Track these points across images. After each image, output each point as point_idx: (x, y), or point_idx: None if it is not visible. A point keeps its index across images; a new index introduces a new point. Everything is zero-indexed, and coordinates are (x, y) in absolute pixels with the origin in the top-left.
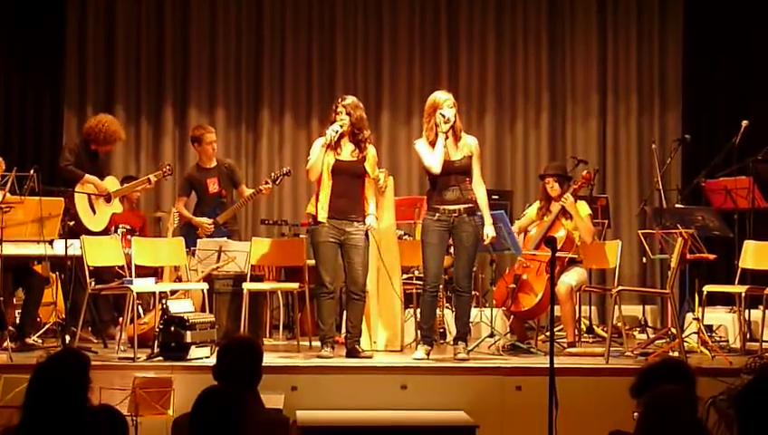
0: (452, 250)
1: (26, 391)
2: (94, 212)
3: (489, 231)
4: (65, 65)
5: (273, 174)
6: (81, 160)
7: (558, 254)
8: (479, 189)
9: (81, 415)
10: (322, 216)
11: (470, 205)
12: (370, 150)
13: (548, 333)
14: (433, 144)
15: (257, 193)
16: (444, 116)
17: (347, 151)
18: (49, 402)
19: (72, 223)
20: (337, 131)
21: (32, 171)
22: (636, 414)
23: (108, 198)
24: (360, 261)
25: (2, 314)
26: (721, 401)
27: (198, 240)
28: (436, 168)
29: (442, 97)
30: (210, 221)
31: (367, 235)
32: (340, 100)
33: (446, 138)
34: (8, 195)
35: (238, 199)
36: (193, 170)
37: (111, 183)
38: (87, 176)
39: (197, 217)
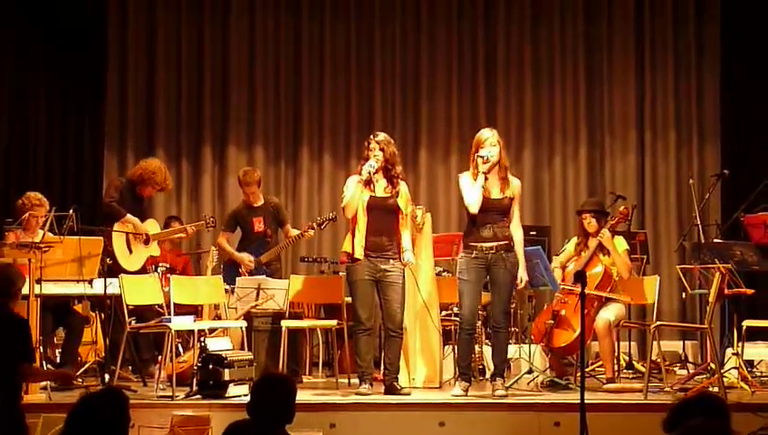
0: (489, 287)
1: (64, 430)
2: (131, 252)
3: (523, 275)
4: (106, 107)
5: (318, 218)
6: (125, 200)
7: (594, 291)
8: (516, 232)
9: None
10: (359, 253)
11: (507, 242)
12: (403, 186)
13: (587, 370)
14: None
15: (301, 236)
16: (482, 157)
17: (380, 188)
18: None
19: (110, 261)
20: (373, 167)
21: (71, 211)
22: None
23: (147, 241)
24: (396, 298)
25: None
26: None
27: (237, 278)
28: (474, 207)
29: (485, 135)
30: (251, 257)
31: (403, 272)
32: (372, 136)
33: (486, 178)
34: (48, 234)
35: (283, 239)
36: (240, 207)
37: (152, 226)
38: (128, 216)
39: (239, 253)
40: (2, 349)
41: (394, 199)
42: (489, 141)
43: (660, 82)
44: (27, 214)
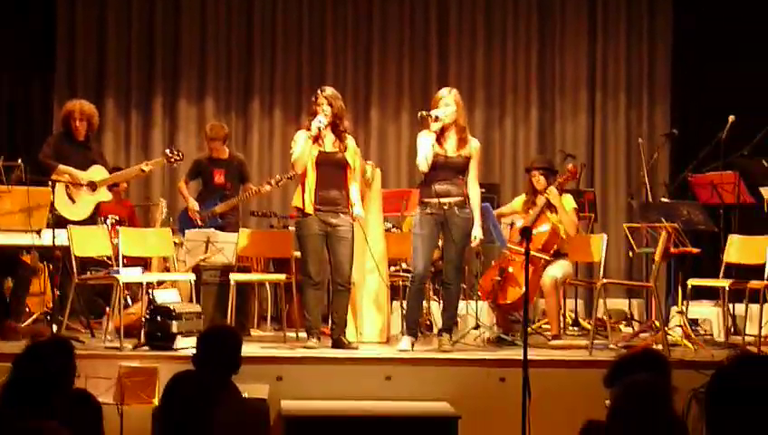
0: (440, 243)
1: (10, 376)
2: (73, 201)
3: (477, 233)
4: (56, 56)
5: (277, 176)
6: (63, 152)
7: (539, 250)
8: (473, 190)
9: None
10: (309, 208)
11: (461, 198)
12: (350, 141)
13: (533, 326)
14: (436, 138)
15: (257, 193)
16: (431, 116)
17: (329, 143)
18: (32, 389)
19: (56, 212)
20: (322, 122)
21: (19, 161)
22: (607, 402)
23: (92, 187)
24: (345, 252)
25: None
26: (702, 393)
27: (186, 231)
28: (422, 166)
29: (441, 94)
30: (197, 207)
31: (353, 227)
32: (320, 91)
33: (439, 137)
34: None
35: (241, 193)
36: (203, 157)
37: (98, 172)
38: (60, 166)
39: (192, 201)
40: None
41: (342, 154)
42: (444, 101)
43: (612, 45)
44: None
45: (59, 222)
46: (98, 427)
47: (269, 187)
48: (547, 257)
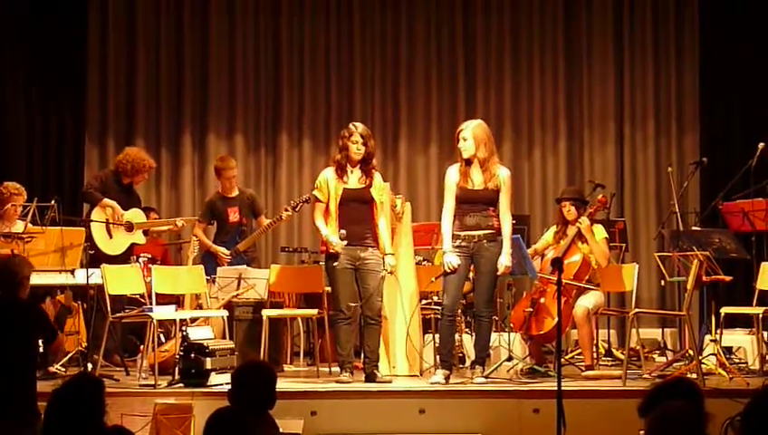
0: (471, 276)
1: (44, 416)
2: (110, 236)
3: (504, 261)
4: (87, 97)
5: (292, 202)
6: (109, 190)
7: (571, 280)
8: (504, 220)
9: None
10: (335, 247)
11: (491, 231)
12: (377, 177)
13: (566, 357)
14: (462, 172)
15: (278, 221)
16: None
17: (354, 179)
18: (65, 425)
19: (92, 251)
20: (338, 244)
21: (53, 202)
22: (641, 433)
23: (129, 228)
24: (375, 286)
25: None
26: (738, 421)
27: (218, 268)
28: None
29: (459, 129)
30: (227, 252)
31: (382, 260)
32: (353, 127)
33: (463, 170)
34: (30, 225)
35: (258, 229)
36: (215, 198)
37: (137, 215)
38: (105, 200)
39: (216, 246)
40: (24, 337)
41: (368, 190)
42: (461, 134)
43: (639, 74)
44: (9, 204)
45: (93, 259)
46: None
47: (287, 213)
48: (581, 285)
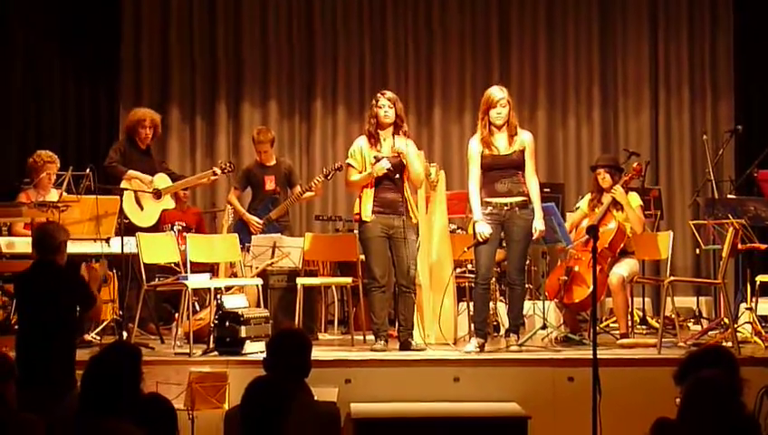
0: (504, 244)
1: (81, 383)
2: (141, 208)
3: (539, 225)
4: (121, 65)
5: (324, 169)
6: (129, 158)
7: (607, 247)
8: (531, 183)
9: (133, 404)
10: (368, 215)
11: (522, 198)
12: (411, 145)
13: (601, 325)
14: (485, 141)
15: (309, 188)
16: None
17: (387, 147)
18: (101, 393)
19: (126, 220)
20: (385, 168)
21: (87, 170)
22: (677, 400)
23: (157, 195)
24: (409, 254)
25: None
26: None
27: (253, 236)
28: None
29: (496, 95)
30: (260, 221)
31: (416, 228)
32: (380, 94)
33: (485, 138)
34: (65, 194)
35: (291, 196)
36: (253, 165)
37: (162, 180)
38: (129, 172)
39: (249, 214)
40: (63, 303)
41: (400, 157)
42: (500, 103)
43: (674, 41)
44: (43, 173)
45: (127, 229)
46: (173, 430)
47: (320, 179)
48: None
